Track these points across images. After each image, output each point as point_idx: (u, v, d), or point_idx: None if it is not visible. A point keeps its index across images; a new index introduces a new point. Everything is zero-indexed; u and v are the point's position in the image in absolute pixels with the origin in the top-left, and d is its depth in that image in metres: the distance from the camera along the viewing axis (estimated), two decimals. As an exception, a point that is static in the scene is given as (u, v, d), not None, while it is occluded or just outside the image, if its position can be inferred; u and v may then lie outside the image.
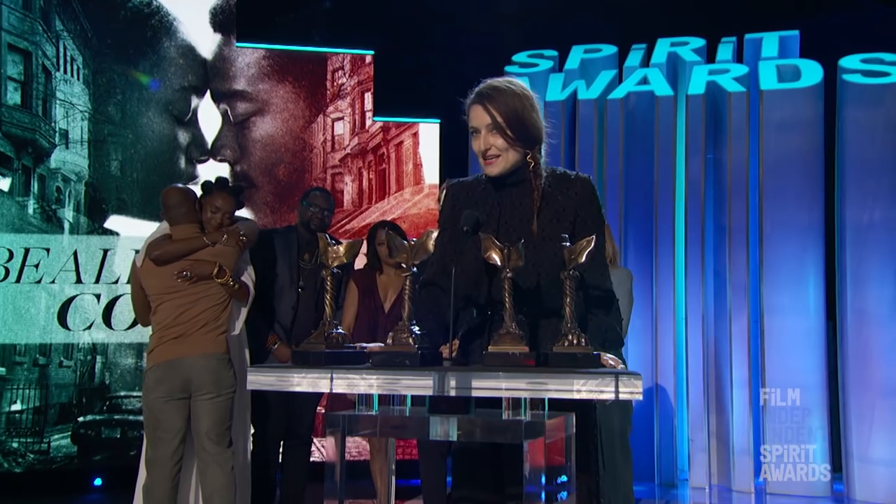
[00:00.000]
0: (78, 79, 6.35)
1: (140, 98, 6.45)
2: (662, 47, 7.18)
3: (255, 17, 6.75)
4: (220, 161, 6.54)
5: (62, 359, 6.26)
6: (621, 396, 1.92)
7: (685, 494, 6.27)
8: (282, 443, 4.73)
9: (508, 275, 1.97)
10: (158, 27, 6.51)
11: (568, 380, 1.93)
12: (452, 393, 1.94)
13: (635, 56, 7.23)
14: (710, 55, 7.05)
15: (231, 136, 6.56)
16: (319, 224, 4.75)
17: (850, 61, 6.34)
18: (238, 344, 4.27)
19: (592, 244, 1.95)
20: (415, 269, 1.99)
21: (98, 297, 6.31)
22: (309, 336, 4.62)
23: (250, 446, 4.47)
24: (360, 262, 5.03)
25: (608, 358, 2.10)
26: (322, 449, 5.55)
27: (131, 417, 6.33)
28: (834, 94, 6.34)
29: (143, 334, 6.34)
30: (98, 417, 6.31)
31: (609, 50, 7.36)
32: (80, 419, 6.26)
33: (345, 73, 6.75)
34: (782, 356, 6.17)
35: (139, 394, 6.35)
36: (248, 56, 6.65)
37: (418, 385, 2.03)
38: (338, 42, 6.81)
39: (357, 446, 6.42)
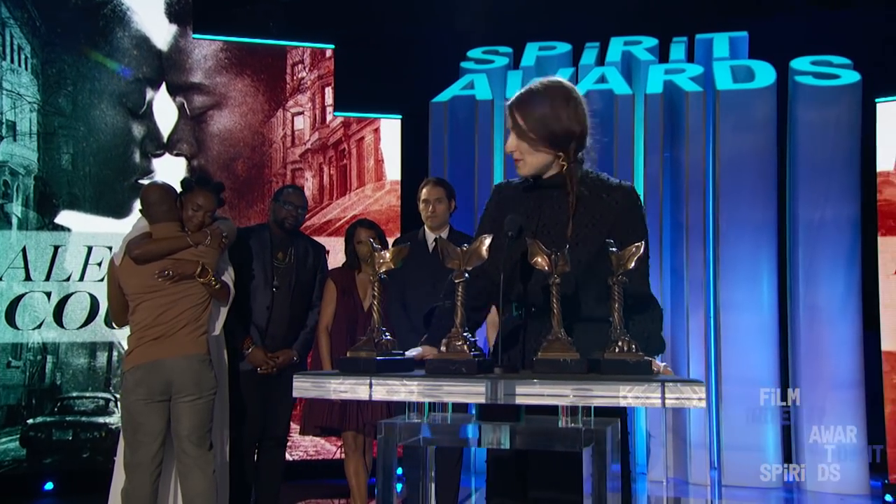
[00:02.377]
0: (26, 68, 6.12)
1: (92, 90, 6.24)
2: (616, 46, 7.27)
3: (212, 8, 6.60)
4: (177, 155, 6.38)
5: (10, 359, 6.04)
6: (668, 404, 1.92)
7: (643, 487, 6.37)
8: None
9: (557, 281, 1.96)
10: (111, 16, 6.31)
11: (614, 386, 1.93)
12: (498, 401, 1.92)
13: (590, 54, 7.30)
14: (662, 54, 7.16)
15: (187, 129, 6.40)
16: (293, 223, 4.69)
17: (800, 63, 6.51)
18: (217, 345, 4.18)
19: (642, 250, 1.96)
20: (467, 274, 1.95)
21: (48, 295, 6.11)
22: (286, 336, 4.61)
23: (228, 448, 4.39)
24: (338, 261, 4.98)
25: (659, 364, 2.11)
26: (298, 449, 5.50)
27: (84, 419, 6.15)
28: (783, 95, 6.50)
29: (96, 333, 6.18)
30: (49, 419, 6.11)
31: (563, 48, 7.41)
32: (30, 421, 6.05)
33: (305, 67, 6.64)
34: (737, 352, 6.31)
35: (92, 394, 6.19)
36: (205, 48, 6.50)
37: (460, 391, 2.01)
38: (297, 35, 6.70)
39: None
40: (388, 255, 2.00)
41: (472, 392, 1.96)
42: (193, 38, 6.47)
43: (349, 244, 4.75)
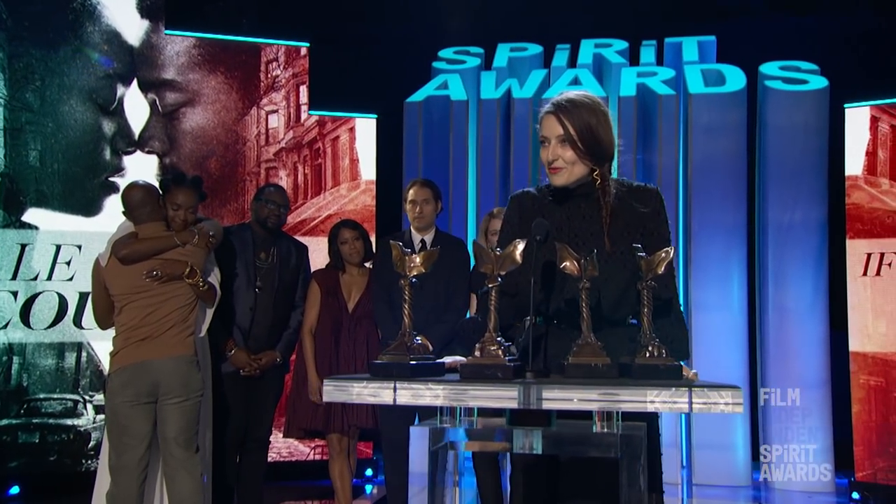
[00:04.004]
0: (-8, 63, 5.98)
1: (61, 85, 6.11)
2: (587, 48, 7.31)
3: (185, 3, 6.50)
4: (148, 153, 6.26)
5: (-26, 360, 5.90)
6: (695, 409, 1.94)
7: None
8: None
9: (586, 285, 1.97)
10: (81, 10, 6.18)
11: (641, 391, 1.94)
12: (530, 406, 1.92)
13: (561, 56, 7.34)
14: (632, 57, 7.23)
15: (159, 126, 6.29)
16: (276, 222, 4.64)
17: (769, 68, 6.62)
18: (202, 346, 4.12)
19: (671, 255, 1.97)
20: (500, 279, 1.94)
21: (15, 294, 5.96)
22: (269, 337, 4.56)
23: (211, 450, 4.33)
24: (322, 262, 4.93)
25: (688, 370, 2.12)
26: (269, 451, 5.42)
27: (51, 421, 6.02)
28: (752, 99, 6.60)
29: (64, 334, 6.06)
30: (15, 422, 5.96)
31: (535, 49, 7.44)
32: (-5, 423, 5.92)
33: (279, 65, 6.57)
34: (708, 351, 6.38)
35: (60, 396, 6.06)
36: (178, 44, 6.39)
37: (486, 396, 2.00)
38: (272, 33, 6.62)
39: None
40: (418, 258, 1.98)
41: (502, 397, 1.96)
42: (166, 34, 6.36)
43: (333, 245, 4.71)
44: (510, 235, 2.47)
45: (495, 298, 1.94)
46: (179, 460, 3.81)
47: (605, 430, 1.92)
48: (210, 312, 4.12)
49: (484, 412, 2.08)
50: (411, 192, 4.56)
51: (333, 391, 2.09)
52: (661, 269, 1.97)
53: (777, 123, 6.46)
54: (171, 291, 3.85)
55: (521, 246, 1.93)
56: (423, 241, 4.54)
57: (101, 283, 3.91)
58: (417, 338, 2.00)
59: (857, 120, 6.21)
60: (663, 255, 1.98)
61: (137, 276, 3.79)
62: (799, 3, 7.42)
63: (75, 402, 6.09)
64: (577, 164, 2.33)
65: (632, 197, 2.41)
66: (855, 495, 5.98)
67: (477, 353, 1.95)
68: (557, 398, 1.96)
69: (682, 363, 2.12)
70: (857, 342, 6.10)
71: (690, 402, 1.95)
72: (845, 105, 6.26)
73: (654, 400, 1.96)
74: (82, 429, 6.05)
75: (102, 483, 3.92)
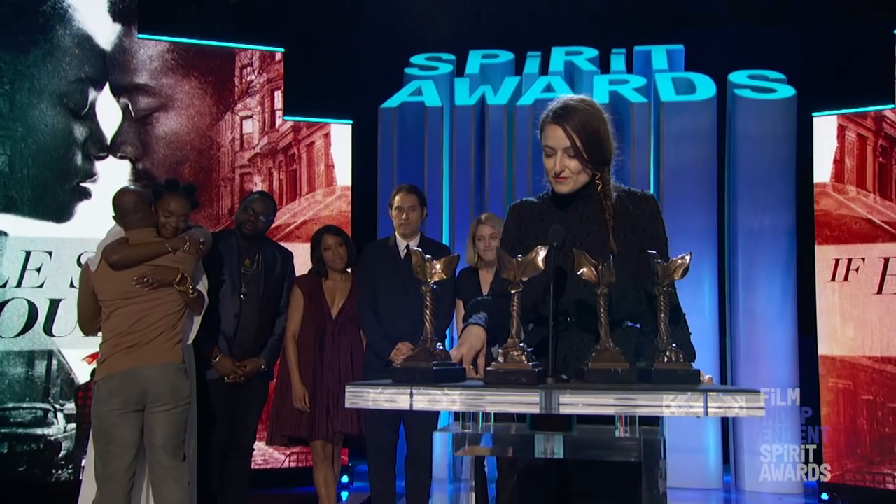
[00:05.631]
0: (-41, 66, 5.87)
1: (31, 89, 6.01)
2: (558, 56, 7.38)
3: (158, 7, 6.42)
4: (121, 158, 6.17)
5: (-58, 369, 5.77)
6: (711, 413, 1.97)
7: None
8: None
9: (604, 291, 1.99)
10: (51, 14, 6.09)
11: (657, 396, 1.96)
12: (551, 411, 1.94)
13: (532, 63, 7.40)
14: (602, 65, 7.31)
15: (132, 131, 6.21)
16: (252, 229, 4.61)
17: (738, 77, 6.74)
18: (188, 354, 4.08)
19: (688, 261, 2.00)
20: (522, 284, 1.96)
21: (-17, 301, 5.86)
22: (254, 344, 4.54)
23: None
24: (301, 268, 4.91)
25: (704, 374, 2.15)
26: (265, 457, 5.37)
27: (20, 431, 5.90)
28: (722, 107, 6.71)
29: (34, 342, 5.96)
30: (-18, 431, 5.85)
31: (506, 56, 7.50)
32: (-38, 433, 5.79)
33: (254, 70, 6.53)
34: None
35: (30, 405, 5.96)
36: (151, 48, 6.32)
37: (503, 401, 2.02)
38: (246, 38, 6.57)
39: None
40: (438, 265, 1.99)
41: (521, 402, 1.97)
42: (138, 38, 6.28)
43: (316, 250, 4.69)
44: (509, 244, 2.49)
45: (517, 304, 1.95)
46: (167, 468, 3.77)
47: (627, 434, 1.94)
48: (197, 320, 4.09)
49: (500, 418, 2.10)
50: (397, 198, 4.56)
51: (352, 397, 2.09)
52: (679, 276, 2.00)
53: (747, 131, 6.57)
54: (161, 298, 3.81)
55: (542, 252, 1.95)
56: (407, 246, 4.54)
57: (89, 289, 3.86)
58: (439, 344, 2.00)
59: (825, 128, 6.34)
60: (679, 261, 2.01)
61: (127, 282, 3.75)
62: (764, 13, 7.57)
63: (45, 412, 5.98)
64: (581, 173, 2.37)
65: (630, 201, 2.46)
66: (824, 496, 6.10)
67: (500, 359, 1.96)
68: (575, 403, 1.98)
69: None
70: (826, 346, 6.22)
71: (706, 407, 1.98)
72: (813, 114, 6.39)
73: (670, 404, 1.99)
74: (52, 438, 5.95)
75: (88, 492, 3.86)
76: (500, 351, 1.97)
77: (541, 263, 1.93)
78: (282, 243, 5.45)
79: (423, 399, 2.07)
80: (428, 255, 2.01)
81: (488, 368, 1.96)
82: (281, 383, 4.68)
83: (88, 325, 3.99)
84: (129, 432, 3.74)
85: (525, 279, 1.94)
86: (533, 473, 2.35)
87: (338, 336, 4.60)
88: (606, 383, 1.97)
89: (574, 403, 1.94)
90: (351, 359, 4.57)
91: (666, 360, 1.99)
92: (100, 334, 3.94)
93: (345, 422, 4.52)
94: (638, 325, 2.46)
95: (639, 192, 2.49)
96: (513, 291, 1.94)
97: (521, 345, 1.95)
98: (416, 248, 2.09)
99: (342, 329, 4.61)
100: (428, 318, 1.98)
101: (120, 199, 3.89)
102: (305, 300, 4.62)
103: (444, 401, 2.06)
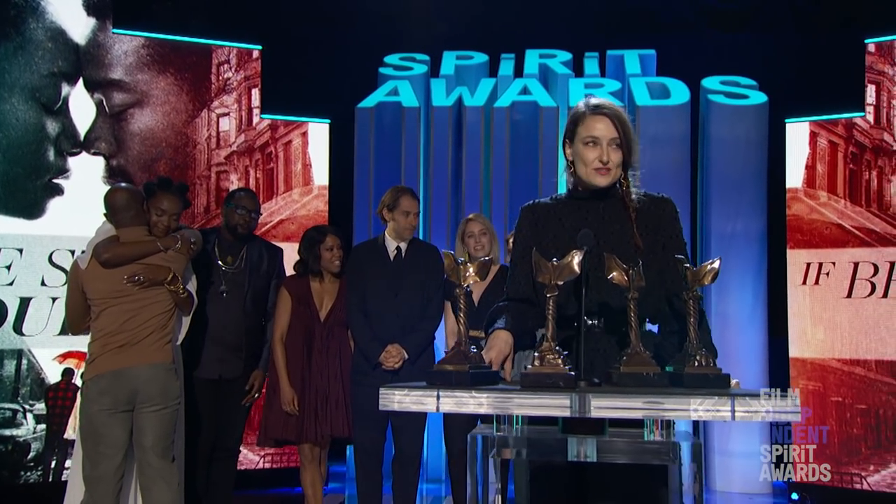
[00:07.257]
0: (-73, 59, 5.72)
1: (2, 83, 5.87)
2: (532, 58, 7.41)
3: (134, 2, 6.33)
4: (94, 154, 6.06)
5: None
6: (738, 417, 1.99)
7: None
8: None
9: (635, 295, 2.01)
10: (23, 6, 5.95)
11: (685, 400, 1.98)
12: (585, 414, 1.95)
13: (507, 65, 7.42)
14: (576, 68, 7.35)
15: (106, 127, 6.10)
16: (247, 227, 4.57)
17: (711, 82, 6.82)
18: (177, 354, 4.02)
19: (718, 266, 2.03)
20: (558, 287, 1.96)
21: (-49, 300, 5.72)
22: (238, 343, 4.48)
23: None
24: (287, 266, 4.85)
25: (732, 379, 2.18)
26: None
27: (-8, 432, 5.78)
28: (695, 112, 6.79)
29: (3, 341, 5.84)
30: (-51, 433, 5.71)
31: (481, 58, 7.51)
32: (-69, 435, 5.65)
33: (231, 68, 6.45)
34: (654, 357, 6.52)
35: (6, 405, 5.84)
36: (126, 44, 6.21)
37: (531, 405, 2.02)
38: (223, 35, 6.49)
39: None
40: (472, 268, 1.99)
41: (550, 405, 1.98)
42: (113, 33, 6.17)
43: (313, 249, 4.59)
44: (523, 246, 2.51)
45: (553, 307, 1.96)
46: (156, 469, 3.72)
47: (660, 437, 1.95)
48: (187, 321, 4.04)
49: (533, 421, 2.11)
50: (405, 202, 4.46)
51: (383, 400, 2.08)
52: (709, 280, 2.02)
53: (720, 136, 6.66)
54: (151, 297, 3.76)
55: (578, 256, 1.96)
56: (398, 248, 4.51)
57: (79, 287, 3.79)
58: (473, 347, 2.00)
59: (797, 135, 6.45)
60: (709, 266, 2.03)
61: (118, 281, 3.69)
62: (735, 19, 7.68)
63: (14, 412, 5.85)
64: (618, 168, 2.40)
65: (650, 204, 2.49)
66: (794, 496, 6.20)
67: (536, 363, 1.96)
68: (605, 406, 1.99)
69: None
70: (797, 348, 6.33)
71: (733, 411, 2.01)
72: (786, 120, 6.50)
73: (698, 408, 2.01)
74: (21, 439, 5.83)
75: (74, 494, 3.79)
76: (535, 354, 1.98)
77: (576, 267, 1.94)
78: (259, 242, 5.39)
79: (449, 401, 2.07)
80: (461, 259, 2.01)
81: (524, 371, 1.97)
82: (269, 386, 4.63)
83: (77, 324, 3.91)
84: (119, 433, 3.68)
85: (560, 283, 1.95)
86: (549, 474, 2.37)
87: (326, 339, 4.55)
88: (638, 387, 1.98)
89: (607, 407, 1.96)
90: (340, 361, 4.53)
91: (697, 364, 2.01)
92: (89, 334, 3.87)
93: (335, 425, 4.48)
94: (655, 330, 2.49)
95: (657, 195, 2.52)
96: (548, 295, 1.95)
97: (557, 348, 1.96)
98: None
99: (330, 331, 4.56)
100: (462, 320, 1.98)
101: (112, 197, 3.82)
102: (293, 302, 4.56)
103: (472, 403, 2.06)
